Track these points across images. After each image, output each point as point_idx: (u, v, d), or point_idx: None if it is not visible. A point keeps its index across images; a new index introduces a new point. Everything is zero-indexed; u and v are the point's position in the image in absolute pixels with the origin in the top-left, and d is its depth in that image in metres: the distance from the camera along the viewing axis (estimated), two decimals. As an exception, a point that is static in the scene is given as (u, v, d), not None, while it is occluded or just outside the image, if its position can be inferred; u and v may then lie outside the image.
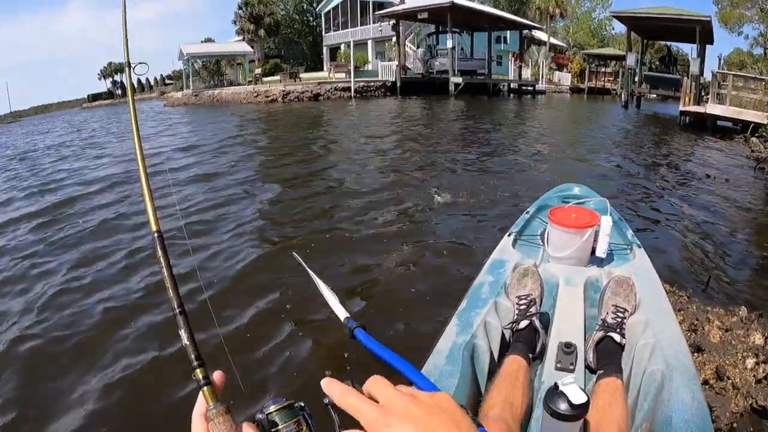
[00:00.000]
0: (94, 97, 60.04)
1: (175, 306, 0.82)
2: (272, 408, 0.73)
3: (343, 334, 2.85)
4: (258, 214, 6.69)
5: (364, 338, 2.64)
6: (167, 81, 57.10)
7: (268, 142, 13.90)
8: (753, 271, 5.36)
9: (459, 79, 30.51)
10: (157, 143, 13.90)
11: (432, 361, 1.97)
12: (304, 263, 3.80)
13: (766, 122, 10.42)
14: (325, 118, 19.38)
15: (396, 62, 32.28)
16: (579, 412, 1.50)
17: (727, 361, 3.28)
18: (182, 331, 0.80)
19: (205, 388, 0.75)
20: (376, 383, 0.71)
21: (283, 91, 28.39)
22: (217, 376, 0.77)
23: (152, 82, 61.10)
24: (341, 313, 3.04)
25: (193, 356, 0.78)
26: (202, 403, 0.74)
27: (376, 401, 0.67)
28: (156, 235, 0.92)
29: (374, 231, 5.85)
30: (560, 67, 46.02)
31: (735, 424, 2.75)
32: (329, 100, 27.79)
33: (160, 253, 0.89)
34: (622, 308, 2.23)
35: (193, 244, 5.50)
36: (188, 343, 0.79)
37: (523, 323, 2.22)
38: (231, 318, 3.92)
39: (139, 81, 59.22)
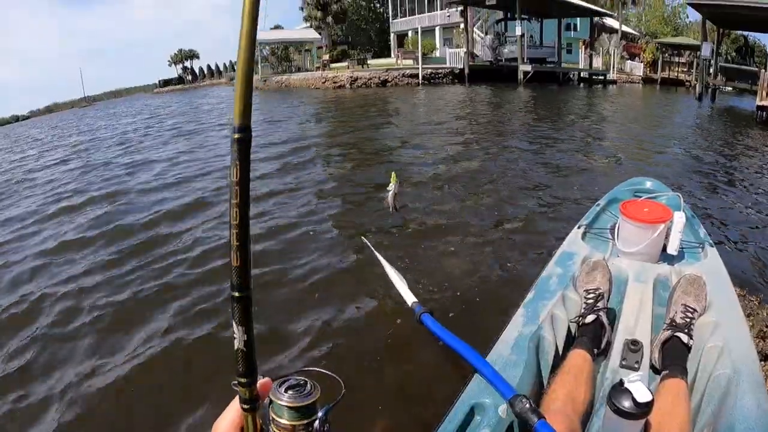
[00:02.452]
0: (165, 83, 61.37)
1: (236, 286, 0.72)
2: (285, 400, 0.70)
3: (411, 318, 2.89)
4: (328, 198, 6.85)
5: (432, 323, 2.67)
6: (235, 67, 58.22)
7: (337, 127, 14.08)
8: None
9: (528, 67, 29.97)
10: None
11: (497, 350, 2.00)
12: (372, 248, 3.85)
13: None
14: (393, 104, 19.40)
15: (464, 49, 31.96)
16: (643, 411, 1.50)
17: None
18: (240, 328, 0.71)
19: (247, 415, 0.71)
20: None
21: (351, 77, 28.53)
22: (263, 388, 0.73)
23: (221, 68, 62.15)
24: (409, 298, 3.07)
25: (242, 368, 0.72)
26: (231, 422, 0.72)
27: None
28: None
29: (444, 219, 5.89)
30: (632, 56, 44.76)
31: None
32: (397, 86, 27.82)
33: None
34: (692, 308, 2.19)
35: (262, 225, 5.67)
36: (243, 348, 0.72)
37: (590, 318, 2.22)
38: (297, 298, 4.03)
39: (209, 67, 60.49)
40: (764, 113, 18.28)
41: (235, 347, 0.69)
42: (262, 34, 39.33)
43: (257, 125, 12.96)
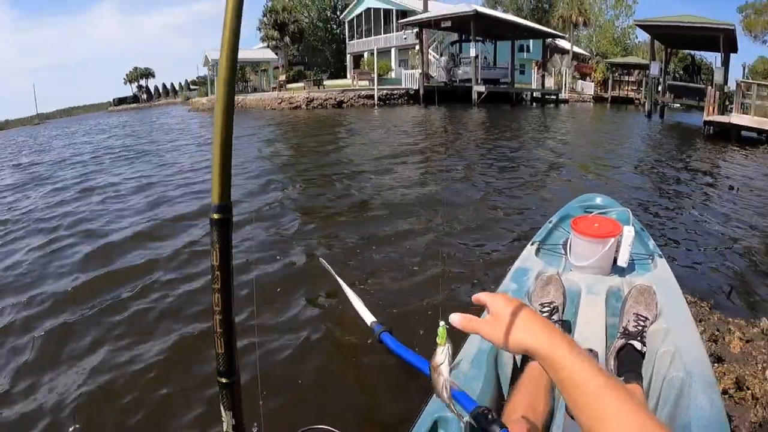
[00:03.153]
0: (120, 101, 60.42)
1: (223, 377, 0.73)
2: None
3: (370, 338, 2.90)
4: (282, 219, 6.78)
5: (391, 342, 2.68)
6: (192, 86, 57.38)
7: (292, 149, 14.00)
8: (777, 284, 5.33)
9: (482, 88, 30.42)
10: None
11: (458, 365, 2.01)
12: (330, 268, 3.85)
13: None
14: (348, 125, 19.44)
15: (419, 70, 32.32)
16: None
17: (747, 372, 3.29)
18: (228, 413, 0.73)
19: None
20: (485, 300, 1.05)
21: (307, 98, 28.50)
22: None
23: (177, 88, 61.54)
24: (368, 318, 3.07)
25: None
26: None
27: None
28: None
29: (401, 239, 5.89)
30: (583, 76, 45.76)
31: None
32: (353, 107, 27.90)
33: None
34: (644, 317, 2.25)
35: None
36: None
37: None
38: (256, 319, 4.00)
39: (164, 86, 59.73)
40: (711, 128, 18.95)
41: (224, 430, 0.69)
42: (218, 53, 39.06)
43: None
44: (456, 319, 1.04)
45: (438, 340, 1.10)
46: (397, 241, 5.78)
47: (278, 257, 5.38)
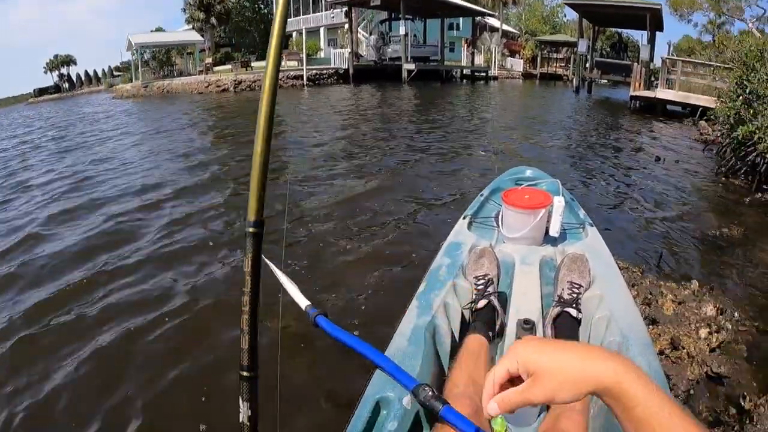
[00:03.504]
0: (41, 92, 57.52)
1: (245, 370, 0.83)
2: None
3: (305, 322, 2.83)
4: (209, 203, 6.60)
5: (327, 325, 2.59)
6: (115, 73, 55.39)
7: (218, 133, 13.57)
8: (702, 247, 5.50)
9: (412, 66, 30.50)
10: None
11: (395, 344, 1.97)
12: (261, 254, 3.74)
13: (714, 106, 10.73)
14: (278, 106, 19.04)
15: (348, 49, 32.09)
16: None
17: (681, 332, 3.39)
18: (245, 404, 0.83)
19: None
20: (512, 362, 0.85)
21: (235, 80, 27.97)
22: None
23: (100, 75, 59.35)
24: (302, 302, 2.98)
25: None
26: None
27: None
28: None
29: (331, 220, 5.83)
30: (512, 54, 46.34)
31: (692, 391, 2.87)
32: (281, 88, 27.41)
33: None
34: (577, 284, 2.26)
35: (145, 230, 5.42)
36: (247, 422, 0.83)
37: (482, 303, 2.24)
38: (185, 310, 3.88)
39: (86, 73, 57.58)
40: (637, 102, 19.58)
41: (240, 420, 0.80)
42: (142, 37, 37.82)
43: (144, 138, 12.28)
44: (494, 408, 0.88)
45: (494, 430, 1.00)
46: (331, 221, 5.70)
47: (210, 244, 5.22)
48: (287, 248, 4.93)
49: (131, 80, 38.41)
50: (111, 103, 22.07)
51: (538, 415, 1.70)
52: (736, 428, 2.70)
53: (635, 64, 21.95)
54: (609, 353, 0.80)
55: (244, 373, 0.76)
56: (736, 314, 3.80)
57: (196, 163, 8.54)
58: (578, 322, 2.14)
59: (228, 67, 35.54)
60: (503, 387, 0.88)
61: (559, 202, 2.85)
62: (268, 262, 3.63)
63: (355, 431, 1.56)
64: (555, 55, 43.28)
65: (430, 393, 1.49)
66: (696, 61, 19.42)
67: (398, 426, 1.59)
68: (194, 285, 4.34)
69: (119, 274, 4.58)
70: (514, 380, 0.87)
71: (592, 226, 3.10)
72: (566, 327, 2.11)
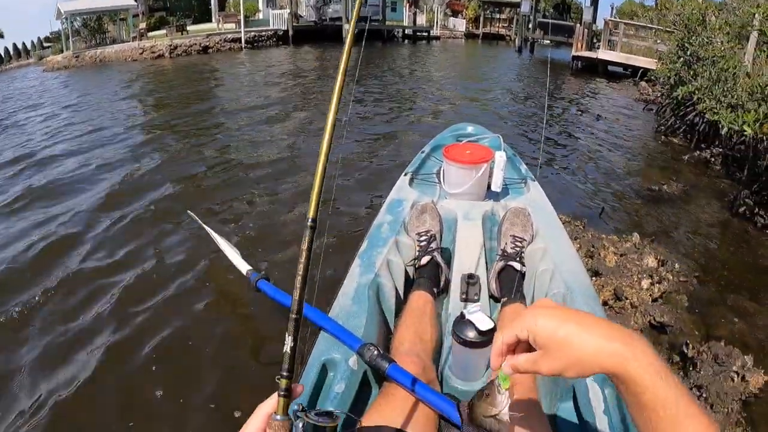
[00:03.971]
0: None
1: (294, 311, 0.94)
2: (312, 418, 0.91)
3: (248, 287, 2.77)
4: (148, 176, 6.27)
5: (269, 288, 2.58)
6: (45, 44, 53.00)
7: (154, 103, 12.87)
8: (642, 201, 5.60)
9: (353, 26, 30.13)
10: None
11: (339, 304, 1.94)
12: (200, 220, 3.65)
13: (654, 67, 10.98)
14: (215, 71, 18.46)
15: (288, 10, 31.48)
16: (486, 338, 1.54)
17: (624, 283, 3.45)
18: (289, 337, 0.92)
19: (282, 399, 0.89)
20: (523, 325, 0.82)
21: (170, 45, 27.10)
22: (297, 389, 0.93)
23: (29, 47, 56.70)
24: (243, 267, 2.94)
25: (287, 366, 0.90)
26: (272, 406, 0.89)
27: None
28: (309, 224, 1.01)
29: (271, 184, 5.71)
30: (455, 14, 46.19)
31: None
32: (219, 52, 26.76)
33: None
34: (520, 238, 2.27)
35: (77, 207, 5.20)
36: (289, 351, 0.91)
37: (425, 259, 2.22)
38: (131, 280, 3.75)
39: (15, 47, 55.10)
40: (579, 62, 19.87)
41: (284, 350, 0.90)
42: (71, 4, 36.23)
43: (73, 113, 11.60)
44: (508, 370, 0.86)
45: (501, 385, 0.96)
46: (272, 188, 5.58)
47: (150, 217, 5.02)
48: (228, 216, 4.81)
49: (62, 50, 36.92)
50: (42, 76, 21.06)
51: (486, 369, 1.69)
52: (680, 375, 2.75)
53: (578, 25, 22.18)
54: (626, 333, 0.75)
55: (294, 315, 0.92)
56: (676, 265, 3.87)
57: (130, 147, 7.86)
58: (522, 275, 2.14)
59: (163, 32, 34.49)
60: (510, 346, 0.86)
61: (500, 156, 2.84)
62: (205, 226, 3.55)
63: (303, 396, 1.48)
64: (498, 16, 43.36)
65: (375, 352, 1.56)
66: (638, 23, 19.70)
67: (345, 387, 1.57)
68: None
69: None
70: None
71: (534, 180, 3.11)
72: (511, 280, 2.11)
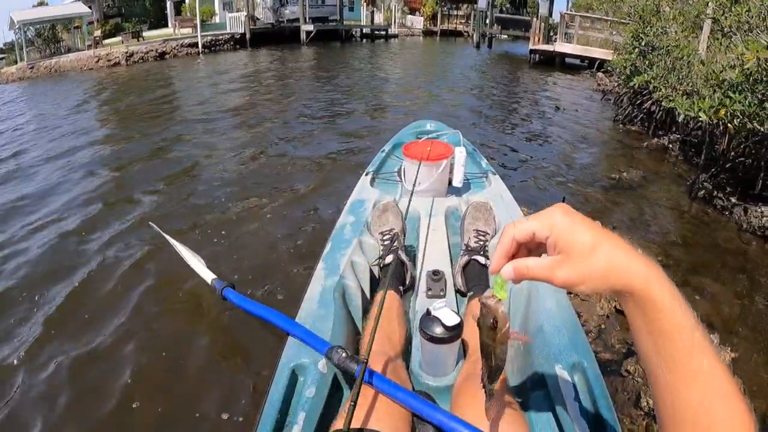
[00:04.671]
0: None
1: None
2: None
3: (214, 296, 2.74)
4: (104, 188, 6.08)
5: (234, 297, 2.56)
6: (-1, 56, 51.92)
7: (109, 114, 12.54)
8: (603, 189, 5.67)
9: (310, 27, 30.09)
10: None
11: (305, 308, 1.93)
12: (161, 231, 3.60)
13: (611, 58, 11.18)
14: (172, 78, 18.25)
15: (244, 13, 31.26)
16: (454, 333, 1.56)
17: None
18: None
19: None
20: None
21: (126, 52, 26.64)
22: None
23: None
24: (207, 276, 2.90)
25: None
26: None
27: None
28: None
29: (231, 190, 5.61)
30: (413, 11, 46.31)
31: (603, 325, 3.00)
32: (176, 57, 26.38)
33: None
34: (483, 231, 2.28)
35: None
36: None
37: (389, 258, 2.23)
38: (96, 303, 3.67)
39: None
40: (536, 56, 20.26)
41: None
42: (24, 13, 35.46)
43: (28, 126, 11.36)
44: (509, 272, 0.78)
45: (500, 295, 0.85)
46: (234, 196, 5.50)
47: (108, 231, 4.90)
48: (192, 227, 4.74)
49: (17, 62, 36.15)
50: (-5, 89, 20.46)
51: (456, 364, 1.70)
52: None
53: (534, 19, 22.48)
54: (646, 257, 0.71)
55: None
56: (639, 250, 3.90)
57: (87, 160, 7.53)
58: (487, 268, 2.14)
59: (119, 39, 33.99)
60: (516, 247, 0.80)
61: (460, 152, 2.87)
62: (167, 237, 3.51)
63: (273, 402, 1.51)
64: (456, 12, 43.68)
65: (343, 354, 1.56)
66: (594, 16, 19.99)
67: (316, 391, 1.55)
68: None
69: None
70: (528, 246, 0.80)
71: (494, 174, 3.14)
72: (476, 274, 2.13)
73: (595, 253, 0.70)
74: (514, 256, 0.80)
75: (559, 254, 0.74)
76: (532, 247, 0.80)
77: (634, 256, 0.70)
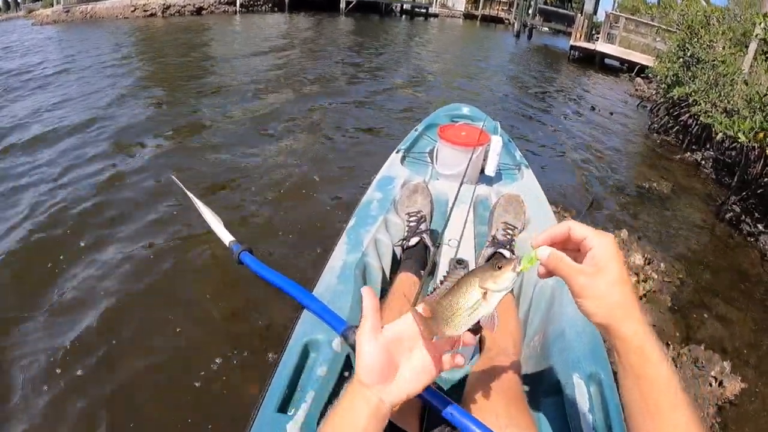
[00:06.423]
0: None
1: None
2: None
3: (230, 259, 2.70)
4: (135, 137, 6.02)
5: (252, 262, 2.47)
6: (35, -2, 51.69)
7: (147, 63, 12.52)
8: (632, 198, 5.59)
9: (351, -3, 29.83)
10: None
11: (324, 281, 1.89)
12: (183, 186, 3.54)
13: (652, 65, 11.00)
14: (209, 34, 18.26)
15: (286, -25, 31.08)
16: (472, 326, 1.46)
17: None
18: None
19: None
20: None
21: (164, 4, 26.48)
22: None
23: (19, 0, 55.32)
24: (226, 238, 2.83)
25: None
26: None
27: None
28: None
29: (261, 155, 5.56)
30: (456, -8, 45.89)
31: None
32: (212, 14, 26.20)
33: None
34: (512, 225, 2.22)
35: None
36: None
37: (414, 240, 2.18)
38: (108, 247, 3.65)
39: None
40: (576, 52, 19.89)
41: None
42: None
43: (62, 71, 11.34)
44: (544, 253, 0.87)
45: (523, 264, 0.88)
46: (267, 159, 5.45)
47: (127, 176, 4.87)
48: (214, 188, 4.71)
49: (52, 4, 36.12)
50: (31, 30, 20.46)
51: (471, 358, 1.68)
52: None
53: (578, 14, 22.08)
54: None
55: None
56: (662, 265, 3.84)
57: (119, 111, 7.39)
58: None
59: (157, -13, 33.89)
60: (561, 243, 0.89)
61: (497, 141, 2.80)
62: (189, 194, 3.44)
63: (282, 377, 1.48)
64: (499, -2, 43.10)
65: None
66: (639, 19, 19.63)
67: (327, 370, 1.53)
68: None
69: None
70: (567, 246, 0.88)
71: (528, 167, 3.08)
72: None
73: (619, 286, 0.80)
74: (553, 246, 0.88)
75: (593, 267, 0.82)
76: (570, 248, 0.88)
77: (641, 311, 0.81)
